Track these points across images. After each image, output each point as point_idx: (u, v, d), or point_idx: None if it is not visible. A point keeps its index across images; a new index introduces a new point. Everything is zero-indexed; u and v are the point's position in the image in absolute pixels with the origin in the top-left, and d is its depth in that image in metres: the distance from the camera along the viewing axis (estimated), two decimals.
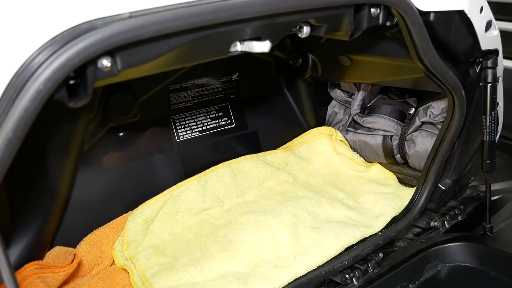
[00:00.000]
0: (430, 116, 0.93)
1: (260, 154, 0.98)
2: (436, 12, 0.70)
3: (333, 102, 1.11)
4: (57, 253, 0.73)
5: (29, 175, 0.72)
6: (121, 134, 0.87)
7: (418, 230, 0.88)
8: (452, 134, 0.82)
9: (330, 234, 0.80)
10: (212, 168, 0.92)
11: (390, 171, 1.00)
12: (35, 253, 0.72)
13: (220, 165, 0.93)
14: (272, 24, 0.57)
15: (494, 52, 0.81)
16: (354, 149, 1.05)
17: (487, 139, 0.82)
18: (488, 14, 0.78)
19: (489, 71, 0.80)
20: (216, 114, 0.98)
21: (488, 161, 0.83)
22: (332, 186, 0.97)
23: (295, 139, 1.07)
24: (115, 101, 0.81)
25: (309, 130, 1.08)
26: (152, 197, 0.85)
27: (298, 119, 1.10)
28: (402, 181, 0.99)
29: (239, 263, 0.76)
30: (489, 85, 0.80)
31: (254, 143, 1.03)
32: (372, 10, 0.65)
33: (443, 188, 0.89)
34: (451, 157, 0.87)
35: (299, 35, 0.63)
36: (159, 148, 0.91)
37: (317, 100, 1.12)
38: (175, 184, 0.88)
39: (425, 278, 0.77)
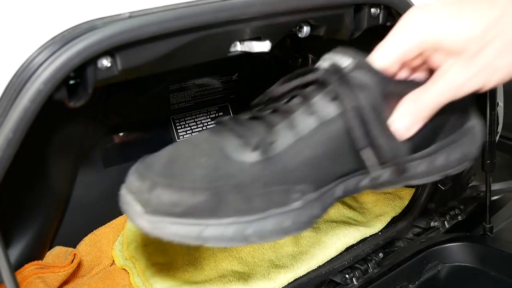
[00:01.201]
0: None
1: None
2: None
3: None
4: (57, 253, 0.73)
5: (29, 175, 0.72)
6: (121, 134, 0.87)
7: (418, 230, 0.88)
8: None
9: (330, 234, 0.80)
10: None
11: None
12: (35, 253, 0.72)
13: None
14: (272, 24, 0.57)
15: None
16: None
17: (487, 139, 0.82)
18: None
19: None
20: (216, 114, 0.98)
21: (488, 161, 0.83)
22: None
23: None
24: (115, 101, 0.81)
25: None
26: None
27: None
28: None
29: (239, 263, 0.77)
30: None
31: None
32: (372, 10, 0.65)
33: (443, 188, 0.89)
34: None
35: (299, 35, 0.63)
36: (159, 148, 0.91)
37: None
38: None
39: (425, 278, 0.77)
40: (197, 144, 0.52)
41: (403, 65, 0.49)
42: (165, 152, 0.53)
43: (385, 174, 0.50)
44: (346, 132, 0.50)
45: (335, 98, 0.49)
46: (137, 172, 0.51)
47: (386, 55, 0.48)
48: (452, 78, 0.47)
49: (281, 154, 0.50)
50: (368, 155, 0.49)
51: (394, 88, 0.50)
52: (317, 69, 0.50)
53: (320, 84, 0.50)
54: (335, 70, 0.49)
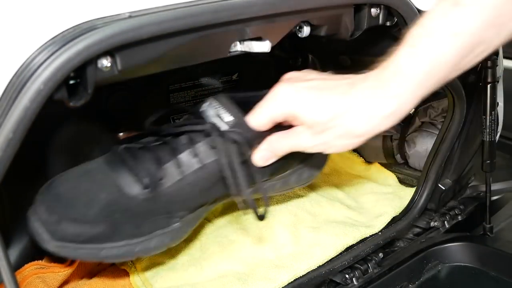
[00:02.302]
0: (430, 116, 0.93)
1: None
2: None
3: None
4: None
5: (30, 175, 0.72)
6: (121, 134, 0.87)
7: (418, 230, 0.88)
8: (452, 134, 0.82)
9: (330, 234, 0.80)
10: None
11: (390, 171, 1.00)
12: (35, 253, 0.72)
13: None
14: (272, 24, 0.57)
15: (494, 52, 0.81)
16: (353, 149, 1.05)
17: (487, 139, 0.82)
18: None
19: (489, 71, 0.80)
20: None
21: (488, 161, 0.83)
22: (332, 186, 0.97)
23: None
24: (115, 101, 0.81)
25: None
26: None
27: None
28: (402, 181, 0.99)
29: (239, 263, 0.76)
30: (489, 85, 0.80)
31: None
32: (372, 10, 0.65)
33: (443, 188, 0.89)
34: (451, 157, 0.87)
35: (299, 35, 0.63)
36: None
37: None
38: None
39: (425, 278, 0.77)
40: (97, 179, 0.62)
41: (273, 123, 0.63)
42: (69, 185, 0.62)
43: (247, 192, 0.63)
44: (219, 171, 0.63)
45: (213, 147, 0.62)
46: (44, 204, 0.60)
47: (260, 119, 0.62)
48: (301, 141, 0.61)
49: (167, 190, 0.63)
50: (232, 186, 0.62)
51: (259, 139, 0.64)
52: (204, 121, 0.63)
53: (205, 134, 0.63)
54: (217, 128, 0.62)
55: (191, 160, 0.63)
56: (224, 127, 0.63)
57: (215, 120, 0.63)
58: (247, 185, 0.62)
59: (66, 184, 0.63)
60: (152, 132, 0.69)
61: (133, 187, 0.62)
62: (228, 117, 0.63)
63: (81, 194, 0.61)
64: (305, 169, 0.75)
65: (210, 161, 0.64)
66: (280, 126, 0.64)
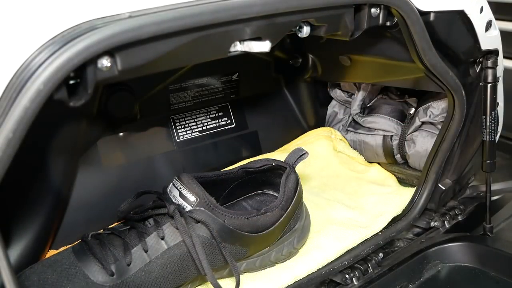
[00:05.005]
0: (430, 116, 0.93)
1: (258, 157, 0.98)
2: (436, 12, 0.70)
3: (333, 102, 1.11)
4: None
5: (29, 175, 0.72)
6: (121, 134, 0.87)
7: (418, 230, 0.88)
8: (452, 134, 0.82)
9: (330, 237, 0.80)
10: None
11: (390, 171, 1.00)
12: (35, 253, 0.72)
13: None
14: (272, 24, 0.57)
15: (494, 52, 0.81)
16: (354, 149, 1.05)
17: (487, 139, 0.82)
18: (488, 14, 0.78)
19: (489, 71, 0.80)
20: (216, 114, 0.98)
21: (488, 161, 0.83)
22: (332, 187, 0.97)
23: (293, 141, 1.07)
24: (115, 101, 0.81)
25: (307, 132, 1.08)
26: None
27: (298, 119, 1.10)
28: (402, 181, 0.99)
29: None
30: (489, 85, 0.80)
31: (254, 143, 1.03)
32: (372, 10, 0.65)
33: (443, 188, 0.89)
34: (451, 157, 0.87)
35: (299, 35, 0.63)
36: (159, 148, 0.91)
37: (317, 100, 1.12)
38: None
39: (425, 278, 0.77)
40: (64, 270, 0.62)
41: None
42: (36, 278, 0.61)
43: (210, 274, 0.62)
44: (187, 253, 0.64)
45: (177, 228, 0.63)
46: None
47: None
48: None
49: (136, 275, 0.62)
50: (200, 268, 0.62)
51: (229, 220, 0.65)
52: (169, 203, 0.64)
53: (169, 215, 0.64)
54: (179, 210, 0.63)
55: (158, 243, 0.64)
56: (188, 207, 0.64)
57: (180, 201, 0.64)
58: (209, 266, 0.62)
59: (33, 276, 0.62)
60: (121, 219, 0.69)
61: (99, 275, 0.61)
62: (191, 197, 0.64)
63: (48, 286, 0.60)
64: (287, 243, 0.74)
65: (177, 243, 0.64)
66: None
